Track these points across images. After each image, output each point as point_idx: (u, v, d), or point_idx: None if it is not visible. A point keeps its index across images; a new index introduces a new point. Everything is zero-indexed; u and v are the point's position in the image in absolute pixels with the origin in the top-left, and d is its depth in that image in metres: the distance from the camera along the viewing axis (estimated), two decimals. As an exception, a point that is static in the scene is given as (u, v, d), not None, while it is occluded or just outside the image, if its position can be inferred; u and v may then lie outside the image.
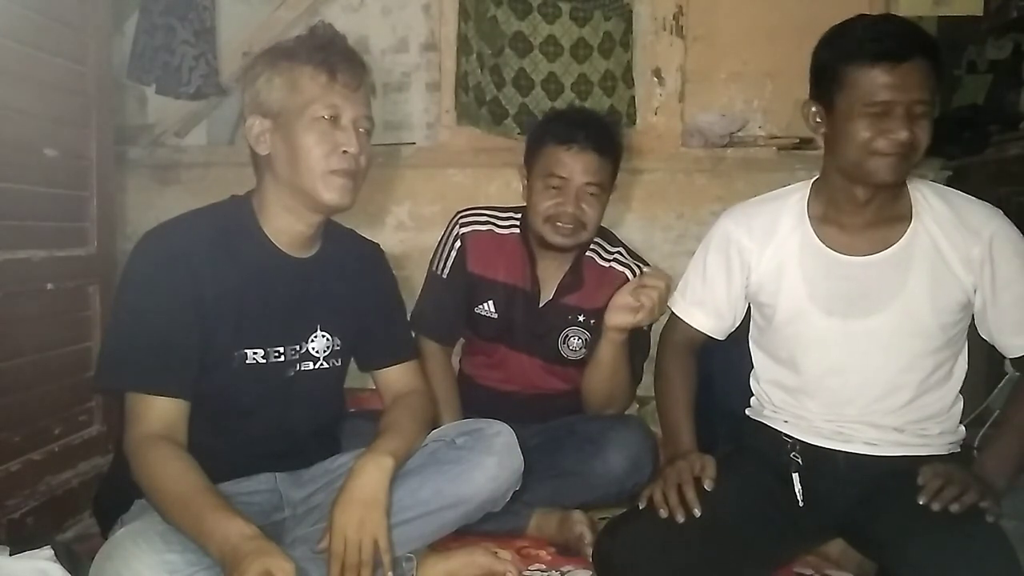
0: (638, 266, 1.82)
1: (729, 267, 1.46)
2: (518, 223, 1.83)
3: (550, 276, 1.81)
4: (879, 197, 1.33)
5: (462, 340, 1.95)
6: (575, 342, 1.80)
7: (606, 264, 1.82)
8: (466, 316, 1.84)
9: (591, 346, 1.76)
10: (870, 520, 1.31)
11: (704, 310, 1.50)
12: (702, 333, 1.51)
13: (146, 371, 1.22)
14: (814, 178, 1.44)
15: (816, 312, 1.37)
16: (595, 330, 1.75)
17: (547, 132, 1.72)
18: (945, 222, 1.33)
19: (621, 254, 1.84)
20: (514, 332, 1.82)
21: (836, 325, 1.36)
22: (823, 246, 1.37)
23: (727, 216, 1.49)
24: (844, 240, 1.36)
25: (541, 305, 1.81)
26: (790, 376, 1.42)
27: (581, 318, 1.79)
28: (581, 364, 1.79)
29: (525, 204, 1.81)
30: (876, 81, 1.22)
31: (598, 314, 1.69)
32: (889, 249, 1.34)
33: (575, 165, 1.67)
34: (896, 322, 1.33)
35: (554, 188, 1.68)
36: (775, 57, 2.65)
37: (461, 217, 1.85)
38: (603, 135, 1.71)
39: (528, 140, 1.81)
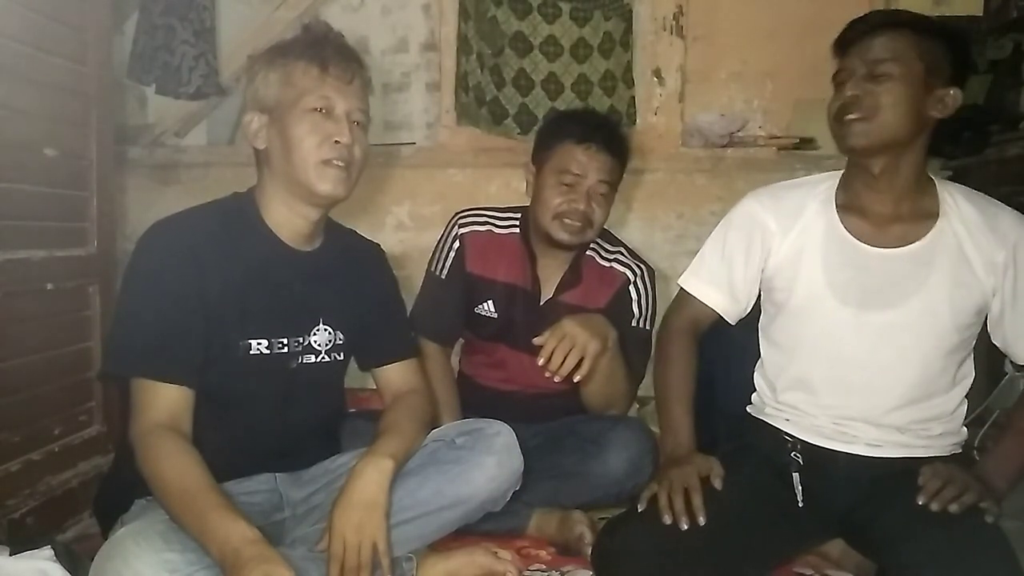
0: (639, 266, 1.83)
1: (749, 248, 1.44)
2: (518, 223, 1.83)
3: (550, 275, 1.81)
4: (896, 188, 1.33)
5: (461, 340, 1.95)
6: (576, 341, 1.79)
7: (607, 264, 1.82)
8: (465, 316, 1.84)
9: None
10: (870, 520, 1.30)
11: (719, 289, 1.47)
12: (711, 312, 1.48)
13: (153, 358, 1.22)
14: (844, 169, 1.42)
15: (831, 300, 1.35)
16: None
17: (564, 130, 1.73)
18: (972, 224, 1.32)
19: (622, 253, 1.84)
20: (514, 331, 1.81)
21: (849, 315, 1.34)
22: (847, 234, 1.36)
23: (753, 196, 1.47)
24: (869, 231, 1.36)
25: (541, 304, 1.81)
26: (797, 365, 1.41)
27: (582, 317, 1.79)
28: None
29: (526, 203, 1.82)
30: None
31: (599, 313, 1.69)
32: (913, 245, 1.33)
33: (591, 164, 1.69)
34: (911, 319, 1.32)
35: (566, 185, 1.70)
36: (775, 57, 2.65)
37: (460, 218, 1.85)
38: (618, 138, 1.76)
39: (540, 137, 1.82)
